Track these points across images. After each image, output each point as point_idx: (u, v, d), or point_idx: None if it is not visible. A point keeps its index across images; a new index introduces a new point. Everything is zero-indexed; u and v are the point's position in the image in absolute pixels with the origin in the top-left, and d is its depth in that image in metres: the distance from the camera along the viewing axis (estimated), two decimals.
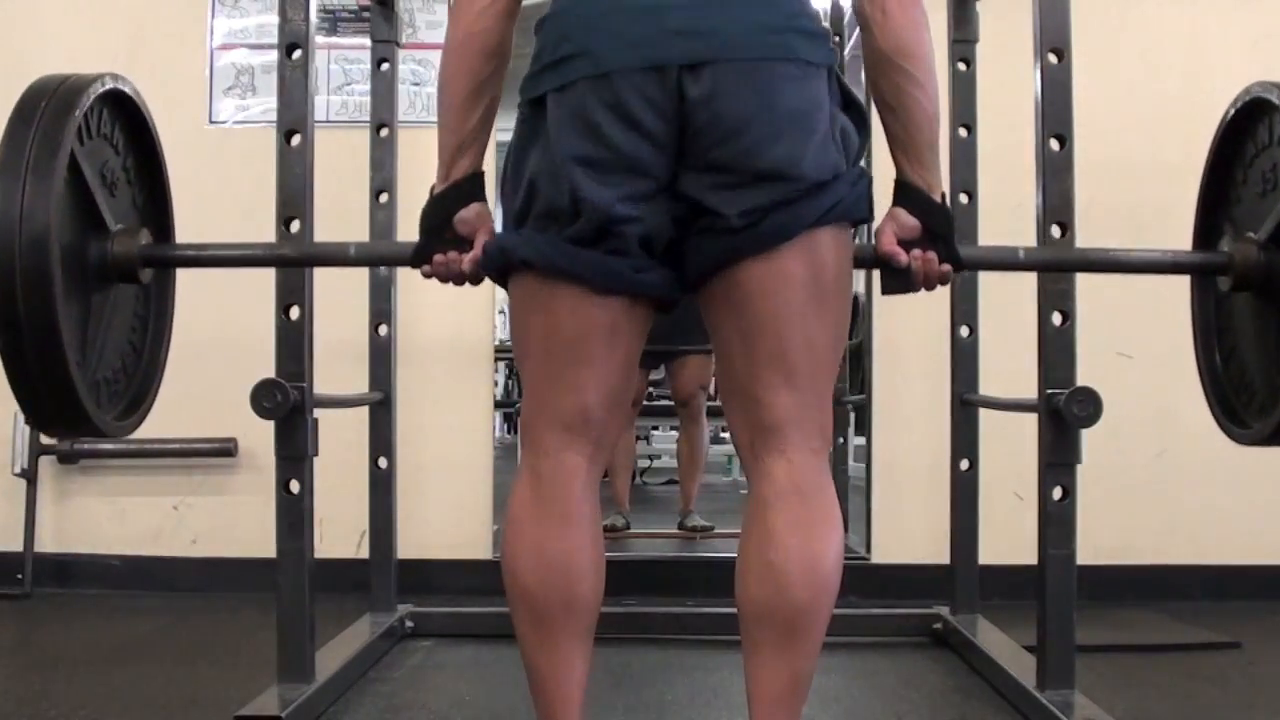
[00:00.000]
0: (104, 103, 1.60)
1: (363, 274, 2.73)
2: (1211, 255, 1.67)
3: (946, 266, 1.52)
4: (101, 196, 1.57)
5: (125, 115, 1.67)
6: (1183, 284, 3.35)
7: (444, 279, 1.57)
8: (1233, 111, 1.67)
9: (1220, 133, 1.70)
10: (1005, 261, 1.91)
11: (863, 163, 1.48)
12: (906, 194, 1.51)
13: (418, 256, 1.56)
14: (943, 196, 1.53)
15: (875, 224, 1.54)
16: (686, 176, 1.38)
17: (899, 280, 1.53)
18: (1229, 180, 1.70)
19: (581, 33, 1.38)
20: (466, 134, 1.49)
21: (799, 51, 1.38)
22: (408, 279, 2.81)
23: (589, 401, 1.45)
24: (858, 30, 2.74)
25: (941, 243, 1.52)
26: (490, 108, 1.50)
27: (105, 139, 1.62)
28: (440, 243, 1.54)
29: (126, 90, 1.65)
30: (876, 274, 1.62)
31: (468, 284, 1.55)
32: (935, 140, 1.49)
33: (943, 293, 2.67)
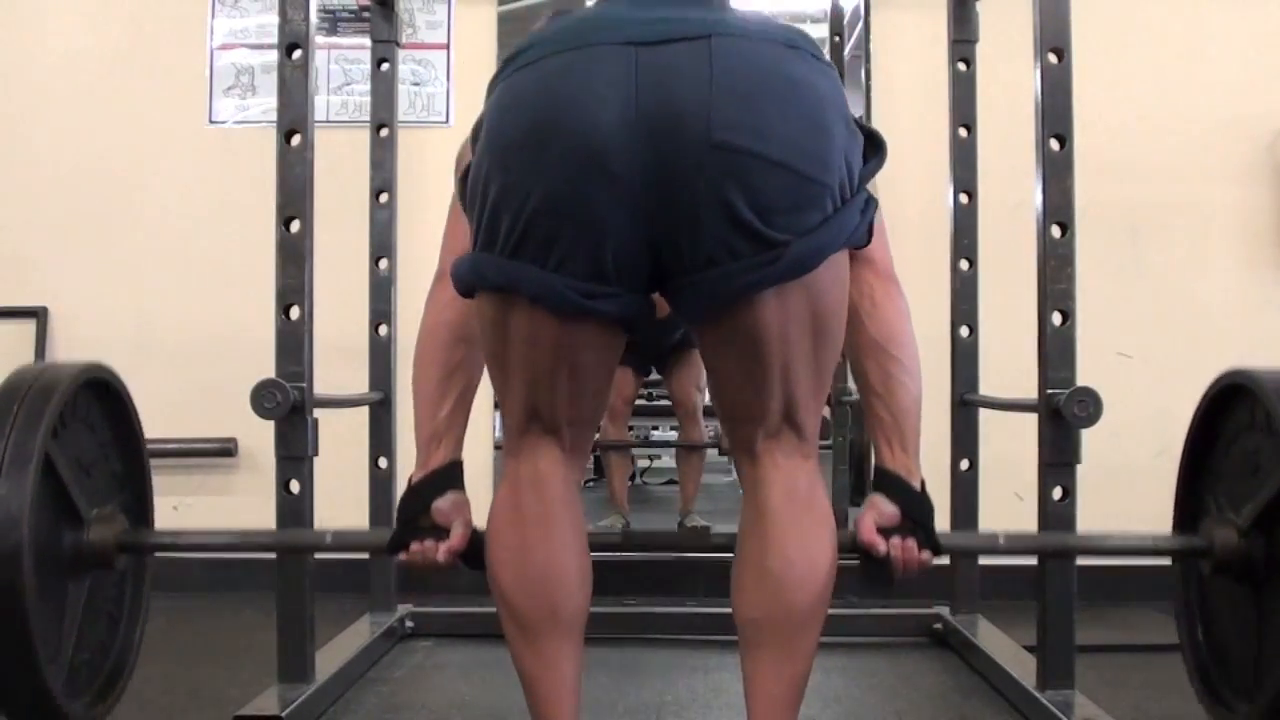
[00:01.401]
0: (83, 390, 1.63)
1: (363, 274, 2.73)
2: (1192, 540, 1.66)
3: (926, 554, 1.54)
4: (76, 487, 1.59)
5: (108, 401, 1.71)
6: (1183, 283, 3.34)
7: (419, 568, 1.58)
8: (1210, 394, 1.68)
9: (1199, 411, 1.70)
10: (985, 548, 1.94)
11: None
12: (887, 482, 1.54)
13: (394, 545, 1.59)
14: (922, 484, 1.56)
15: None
16: (673, 170, 1.24)
17: (878, 569, 1.55)
18: (1210, 458, 1.70)
19: (555, 29, 1.32)
20: (440, 423, 1.53)
21: (791, 40, 1.31)
22: (408, 279, 2.81)
23: (555, 416, 1.43)
24: (858, 30, 2.75)
25: (921, 530, 1.54)
26: (464, 395, 1.53)
27: (83, 422, 1.65)
28: (417, 531, 1.57)
29: (106, 377, 1.69)
30: None
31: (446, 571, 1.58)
32: (918, 426, 1.53)
33: (943, 293, 2.71)
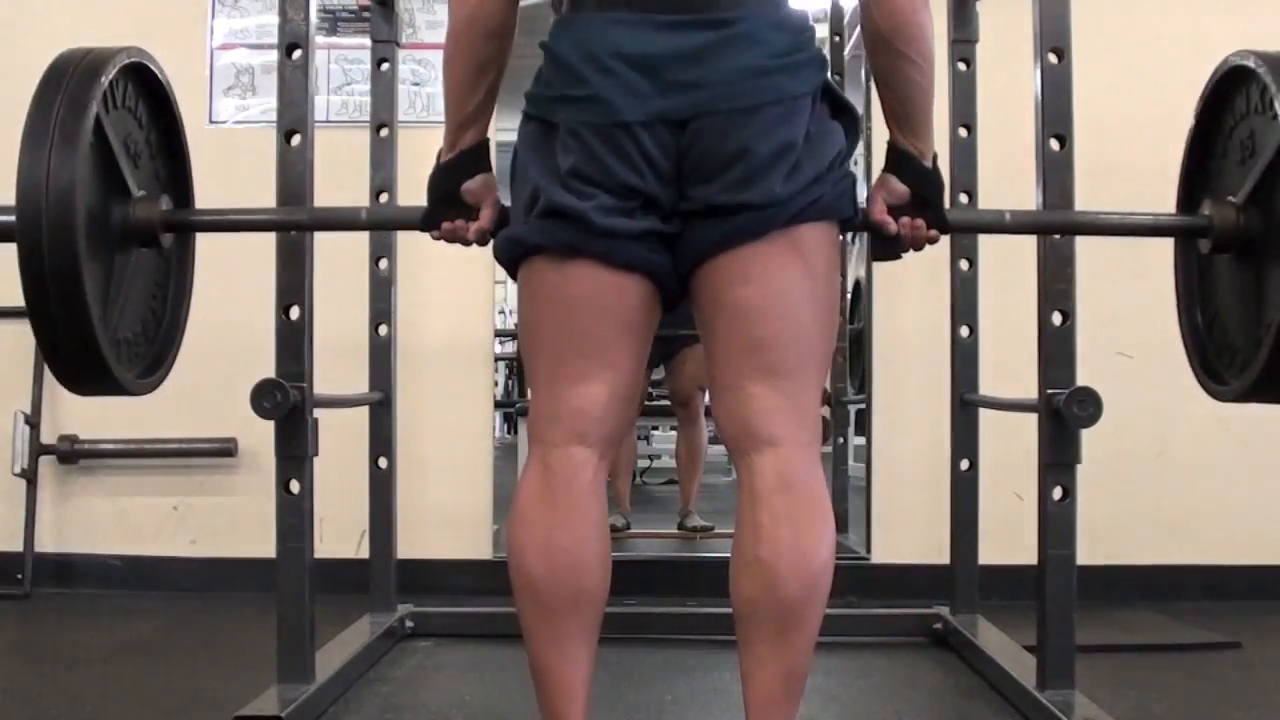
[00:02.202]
0: (127, 75, 1.64)
1: (363, 274, 2.73)
2: (1192, 218, 1.71)
3: (934, 231, 1.56)
4: (125, 163, 1.61)
5: (148, 89, 1.71)
6: None
7: (451, 242, 1.62)
8: (1213, 81, 1.71)
9: (1202, 102, 1.74)
10: (992, 225, 1.95)
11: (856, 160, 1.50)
12: (898, 159, 1.54)
13: (427, 221, 1.62)
14: (934, 159, 1.55)
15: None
16: (683, 205, 1.44)
17: (887, 246, 1.57)
18: (1210, 150, 1.75)
19: (592, 75, 1.42)
20: (471, 110, 1.54)
21: (785, 90, 1.42)
22: (408, 279, 2.82)
23: (601, 395, 1.47)
24: (858, 30, 2.73)
25: (930, 209, 1.56)
26: (493, 84, 1.53)
27: (129, 111, 1.66)
28: (448, 210, 1.60)
29: (149, 64, 1.69)
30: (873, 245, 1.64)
31: (474, 246, 1.62)
32: (930, 109, 1.52)
33: (943, 292, 2.71)
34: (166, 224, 1.68)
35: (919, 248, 1.58)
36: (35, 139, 1.46)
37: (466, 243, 1.60)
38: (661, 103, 1.41)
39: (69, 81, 1.50)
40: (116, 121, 1.60)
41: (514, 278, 1.54)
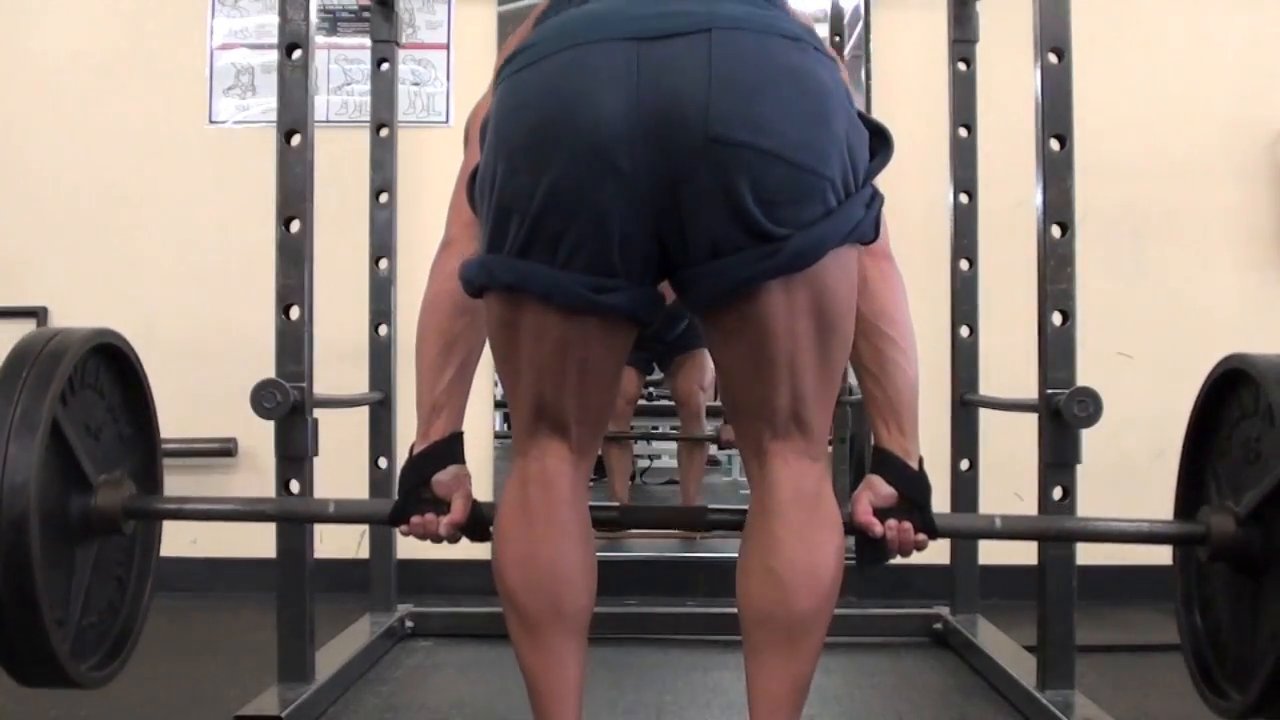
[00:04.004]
0: (97, 354, 1.64)
1: (363, 274, 2.73)
2: (1191, 526, 1.65)
3: (922, 536, 1.54)
4: (84, 452, 1.59)
5: (117, 367, 1.71)
6: (1183, 283, 3.34)
7: (421, 538, 1.59)
8: (1211, 380, 1.67)
9: (1200, 399, 1.70)
10: (981, 531, 1.94)
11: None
12: (885, 462, 1.53)
13: (395, 516, 1.59)
14: (920, 463, 1.55)
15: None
16: (673, 166, 1.25)
17: (875, 550, 1.55)
18: (1211, 446, 1.70)
19: (556, 22, 1.32)
20: (440, 394, 1.53)
21: (789, 29, 1.29)
22: (408, 279, 2.81)
23: (564, 415, 1.43)
24: (858, 30, 2.74)
25: (918, 512, 1.54)
26: (465, 365, 1.53)
27: (97, 392, 1.65)
28: (418, 504, 1.57)
29: (119, 345, 1.69)
30: None
31: (446, 543, 1.58)
32: (915, 406, 1.52)
33: (943, 292, 2.71)
34: (129, 512, 1.65)
35: (905, 553, 1.55)
36: None
37: (438, 539, 1.57)
38: (632, 25, 1.25)
39: (29, 371, 1.48)
40: (80, 405, 1.58)
41: (475, 297, 1.43)
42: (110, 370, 1.69)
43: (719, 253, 1.28)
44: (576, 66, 1.26)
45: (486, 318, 1.44)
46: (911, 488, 1.54)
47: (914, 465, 1.54)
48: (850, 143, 1.30)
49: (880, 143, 1.37)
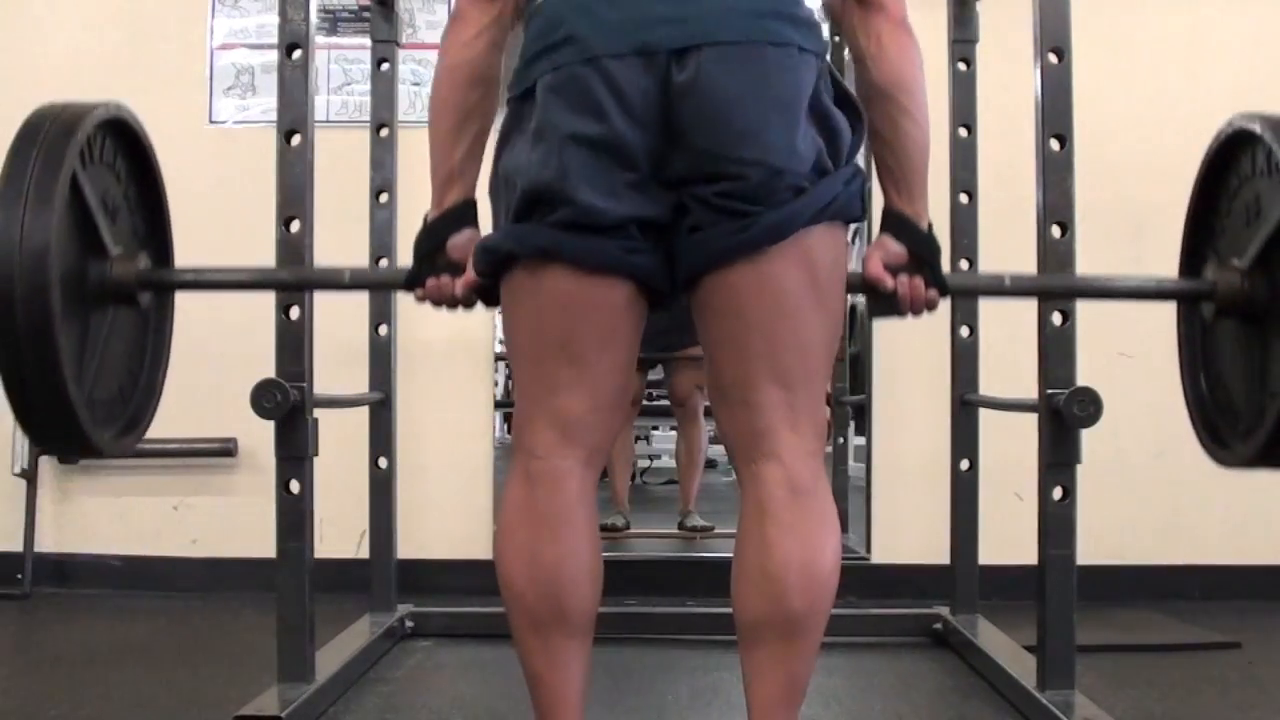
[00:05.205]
0: (105, 130, 1.62)
1: None
2: (1196, 283, 1.68)
3: (933, 292, 1.54)
4: (102, 220, 1.58)
5: (126, 143, 1.69)
6: None
7: (437, 303, 1.57)
8: (1216, 143, 1.68)
9: (1205, 164, 1.71)
10: (990, 288, 1.92)
11: (859, 160, 1.48)
12: (894, 223, 1.52)
13: (411, 281, 1.58)
14: (929, 226, 1.54)
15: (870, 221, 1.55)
16: (673, 169, 1.38)
17: (886, 304, 1.54)
18: (1214, 210, 1.72)
19: (570, 18, 1.37)
20: (456, 164, 1.51)
21: (788, 36, 1.37)
22: None
23: (582, 404, 1.44)
24: None
25: (928, 269, 1.53)
26: (479, 137, 1.51)
27: (107, 166, 1.64)
28: (433, 269, 1.56)
29: (127, 118, 1.67)
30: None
31: (461, 309, 1.56)
32: (925, 171, 1.50)
33: None
34: (144, 283, 1.65)
35: (918, 311, 1.55)
36: (10, 197, 1.42)
37: (453, 303, 1.56)
38: (640, 35, 1.34)
39: (45, 137, 1.47)
40: (94, 177, 1.57)
41: (493, 292, 1.50)
42: (122, 147, 1.68)
43: (698, 227, 1.38)
44: (603, 84, 1.35)
45: (505, 297, 1.47)
46: (921, 246, 1.53)
47: (924, 227, 1.53)
48: (832, 126, 1.40)
49: (856, 118, 1.45)
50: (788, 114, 1.36)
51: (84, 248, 1.56)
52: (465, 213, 1.54)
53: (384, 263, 2.70)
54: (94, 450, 1.57)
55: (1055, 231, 2.04)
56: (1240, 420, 1.64)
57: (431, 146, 1.52)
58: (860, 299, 3.36)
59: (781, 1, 1.39)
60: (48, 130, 1.48)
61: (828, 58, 1.45)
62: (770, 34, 1.36)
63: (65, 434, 1.51)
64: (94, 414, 1.56)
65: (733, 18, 1.36)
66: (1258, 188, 1.58)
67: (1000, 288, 1.85)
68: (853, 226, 1.59)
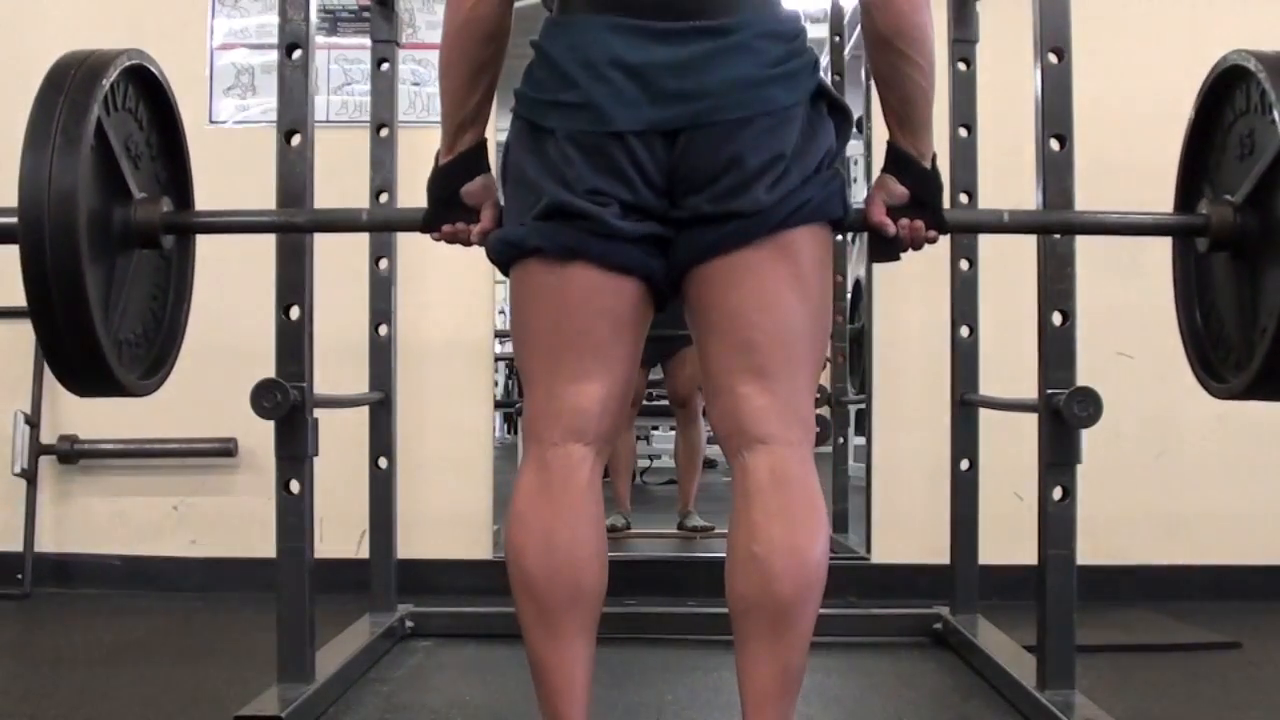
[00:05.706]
0: (128, 77, 1.64)
1: (363, 274, 2.73)
2: (1190, 217, 1.71)
3: (934, 232, 1.57)
4: (126, 165, 1.62)
5: (149, 91, 1.72)
6: None
7: (453, 243, 1.63)
8: (1210, 79, 1.71)
9: (1200, 99, 1.75)
10: (990, 225, 1.96)
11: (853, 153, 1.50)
12: (897, 160, 1.54)
13: (428, 223, 1.63)
14: (933, 160, 1.56)
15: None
16: (675, 206, 1.46)
17: (887, 247, 1.58)
18: (1208, 145, 1.75)
19: (584, 81, 1.43)
20: (468, 113, 1.55)
21: (777, 101, 1.43)
22: (408, 279, 2.82)
23: (598, 393, 1.48)
24: (858, 30, 2.73)
25: (930, 210, 1.56)
26: (490, 85, 1.54)
27: (130, 113, 1.67)
28: (449, 212, 1.61)
29: (150, 67, 1.69)
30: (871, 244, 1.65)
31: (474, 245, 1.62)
32: (929, 111, 1.52)
33: (943, 292, 2.71)
34: (167, 225, 1.69)
35: (918, 247, 1.59)
36: (37, 141, 1.46)
37: (468, 244, 1.62)
38: (654, 112, 1.42)
39: (71, 84, 1.50)
40: (118, 123, 1.60)
41: (505, 274, 1.55)
42: (144, 94, 1.71)
43: (688, 226, 1.45)
44: (621, 154, 1.43)
45: (520, 289, 1.51)
46: (923, 184, 1.55)
47: (926, 164, 1.55)
48: (803, 147, 1.45)
49: (843, 122, 1.52)
50: (772, 169, 1.43)
51: (109, 191, 1.59)
52: (478, 157, 1.59)
53: (383, 264, 2.71)
54: (121, 389, 1.60)
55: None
56: (1233, 352, 1.68)
57: (442, 95, 1.55)
58: (862, 274, 3.39)
59: (777, 64, 1.44)
60: (73, 77, 1.51)
61: (827, 59, 1.45)
62: (768, 104, 1.43)
63: (94, 374, 1.56)
64: (120, 354, 1.60)
65: (737, 92, 1.42)
66: (1251, 124, 1.61)
67: (1000, 224, 1.89)
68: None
